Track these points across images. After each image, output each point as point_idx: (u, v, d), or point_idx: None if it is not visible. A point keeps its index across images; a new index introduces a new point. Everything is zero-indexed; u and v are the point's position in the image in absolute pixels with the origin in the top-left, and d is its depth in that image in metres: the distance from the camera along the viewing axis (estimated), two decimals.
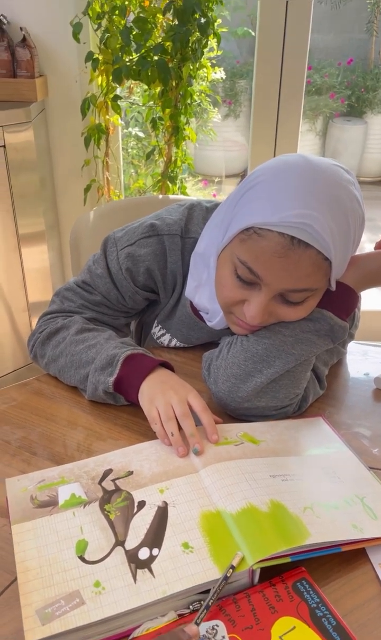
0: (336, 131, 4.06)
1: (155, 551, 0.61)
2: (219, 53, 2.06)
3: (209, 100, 2.42)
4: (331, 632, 0.54)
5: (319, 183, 0.73)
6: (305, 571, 0.62)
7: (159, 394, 0.80)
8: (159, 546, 0.62)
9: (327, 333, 0.83)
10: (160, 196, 1.66)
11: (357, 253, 0.85)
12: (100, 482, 0.71)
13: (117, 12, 1.71)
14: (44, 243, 2.13)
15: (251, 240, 0.75)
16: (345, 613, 0.58)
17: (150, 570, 0.59)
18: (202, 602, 0.59)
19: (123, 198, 2.18)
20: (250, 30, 3.53)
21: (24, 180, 1.95)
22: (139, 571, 0.59)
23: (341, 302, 0.83)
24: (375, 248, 0.87)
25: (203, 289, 0.92)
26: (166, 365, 0.87)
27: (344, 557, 0.64)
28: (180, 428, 0.77)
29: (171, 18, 1.76)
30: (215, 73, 2.06)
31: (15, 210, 1.96)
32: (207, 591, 0.59)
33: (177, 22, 1.72)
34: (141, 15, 1.72)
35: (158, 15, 1.74)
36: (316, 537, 0.62)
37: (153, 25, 1.74)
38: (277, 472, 0.72)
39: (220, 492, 0.67)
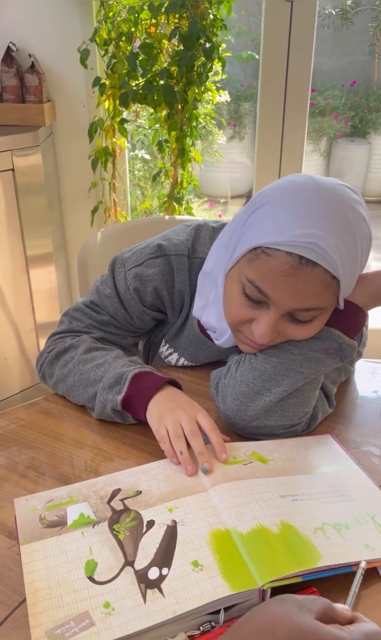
0: (340, 151, 4.10)
1: (164, 570, 0.61)
2: (224, 77, 2.10)
3: (214, 122, 2.46)
4: None
5: (326, 203, 0.74)
6: (316, 591, 0.61)
7: (168, 412, 0.80)
8: (169, 565, 0.61)
9: (336, 352, 0.83)
10: (167, 217, 1.68)
11: (364, 272, 0.85)
12: (108, 502, 0.71)
13: (123, 38, 1.75)
14: (51, 264, 2.15)
15: (259, 259, 0.76)
16: None
17: (160, 590, 0.59)
18: (212, 622, 0.58)
19: (129, 219, 2.20)
20: (254, 54, 3.60)
21: (32, 203, 1.98)
22: (149, 591, 0.59)
23: (349, 320, 0.84)
24: None
25: (211, 308, 0.93)
26: (174, 384, 0.87)
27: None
28: (188, 447, 0.77)
29: (176, 44, 1.80)
30: (220, 96, 2.10)
31: (23, 232, 1.98)
32: (217, 612, 0.58)
33: (182, 48, 1.76)
34: (147, 41, 1.76)
35: (164, 41, 1.78)
36: (327, 559, 0.62)
37: (159, 51, 1.78)
38: (287, 492, 0.72)
39: (229, 511, 0.67)
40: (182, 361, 1.04)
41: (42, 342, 2.19)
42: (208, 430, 0.78)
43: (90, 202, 2.12)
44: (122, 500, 0.71)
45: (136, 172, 2.60)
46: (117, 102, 1.84)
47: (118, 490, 0.73)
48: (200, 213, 3.42)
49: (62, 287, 2.29)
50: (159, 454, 0.80)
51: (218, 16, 1.77)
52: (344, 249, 0.74)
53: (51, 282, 2.18)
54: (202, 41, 1.73)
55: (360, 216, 0.77)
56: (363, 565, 0.63)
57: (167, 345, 1.04)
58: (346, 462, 0.80)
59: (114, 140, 1.98)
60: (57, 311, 2.23)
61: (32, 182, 1.95)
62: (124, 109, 1.87)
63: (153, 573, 0.61)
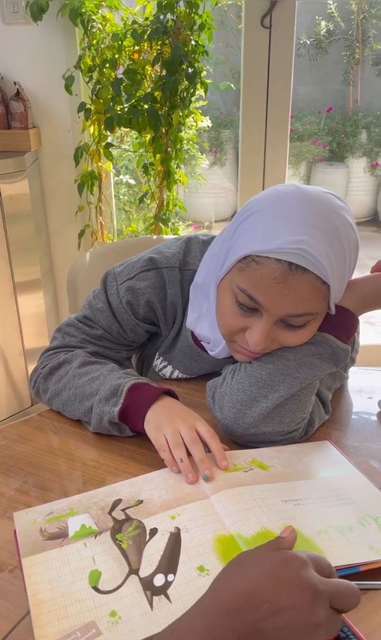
0: (319, 175, 4.18)
1: (170, 577, 0.60)
2: (204, 103, 2.15)
3: (197, 147, 2.51)
4: None
5: (313, 210, 0.76)
6: None
7: (166, 421, 0.80)
8: (174, 571, 0.61)
9: (330, 356, 0.84)
10: (155, 236, 1.69)
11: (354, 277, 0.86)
12: (110, 512, 0.70)
13: (107, 64, 1.78)
14: (39, 290, 2.15)
15: (250, 268, 0.77)
16: (368, 632, 0.57)
17: (167, 596, 0.58)
18: None
19: (117, 241, 2.22)
20: (231, 85, 3.69)
21: (20, 229, 1.98)
22: (155, 598, 0.58)
23: (341, 325, 0.85)
24: (371, 271, 0.89)
25: (204, 319, 0.93)
26: (171, 394, 0.87)
27: (363, 576, 0.63)
28: (188, 455, 0.77)
29: (159, 69, 1.84)
30: (202, 122, 2.15)
31: (11, 259, 1.98)
32: None
33: (165, 73, 1.80)
34: (131, 67, 1.80)
35: (147, 66, 1.82)
36: (334, 560, 0.61)
37: (142, 76, 1.82)
38: (289, 497, 0.72)
39: (233, 516, 0.67)
40: (176, 374, 1.04)
41: (31, 368, 2.17)
42: (208, 438, 0.78)
43: (77, 226, 2.13)
44: (123, 510, 0.70)
45: (121, 197, 2.63)
46: (102, 126, 1.87)
47: (119, 501, 0.72)
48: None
49: (50, 312, 2.29)
50: (158, 465, 0.79)
51: (199, 42, 1.82)
52: (332, 254, 0.75)
53: (39, 307, 2.18)
54: (184, 66, 1.78)
55: (347, 222, 0.78)
56: None
57: (161, 358, 1.04)
58: (346, 466, 0.80)
59: (100, 164, 2.00)
60: (45, 336, 2.22)
61: (19, 208, 1.97)
62: (109, 133, 1.90)
63: (158, 580, 0.60)
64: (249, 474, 0.76)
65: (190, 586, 0.59)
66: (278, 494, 0.72)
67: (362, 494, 0.74)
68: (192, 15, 1.79)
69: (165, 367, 1.04)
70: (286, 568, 0.49)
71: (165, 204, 2.04)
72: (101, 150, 1.95)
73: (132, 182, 2.63)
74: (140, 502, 0.71)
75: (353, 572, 0.62)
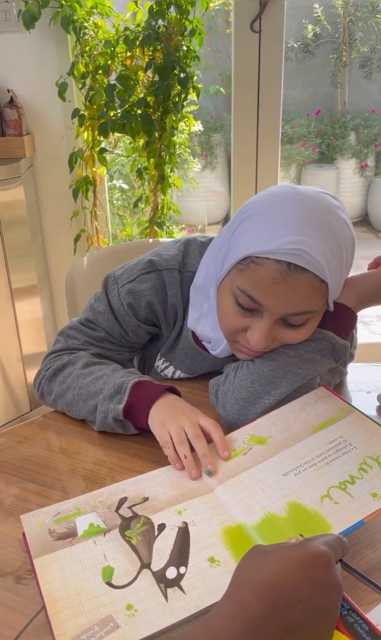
0: (309, 177, 4.22)
1: (182, 569, 0.61)
2: (195, 108, 2.17)
3: (189, 151, 2.53)
4: (365, 637, 0.54)
5: (309, 210, 0.78)
6: None
7: (170, 418, 0.81)
8: (186, 564, 0.62)
9: (330, 352, 0.86)
10: (151, 240, 1.71)
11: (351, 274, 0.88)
12: (116, 510, 0.71)
13: (100, 71, 1.80)
14: (36, 296, 2.15)
15: (249, 269, 0.78)
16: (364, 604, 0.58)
17: (180, 588, 0.59)
18: None
19: (112, 245, 2.23)
20: (221, 89, 3.72)
21: (15, 235, 1.99)
22: (169, 590, 0.59)
23: (340, 321, 0.86)
24: (368, 268, 0.91)
25: (206, 319, 0.95)
26: (173, 391, 0.88)
27: (370, 565, 0.65)
28: (192, 450, 0.78)
29: (151, 75, 1.86)
30: (194, 126, 2.17)
31: (7, 266, 1.99)
32: None
33: (157, 78, 1.82)
34: (123, 73, 1.81)
35: (139, 72, 1.84)
36: (338, 527, 0.64)
37: (135, 82, 1.83)
38: (289, 467, 0.73)
39: (237, 506, 0.68)
40: (178, 374, 1.05)
41: (29, 373, 2.18)
42: (211, 429, 0.79)
43: (72, 231, 2.14)
44: (130, 507, 0.72)
45: (115, 202, 2.65)
46: (96, 132, 1.88)
47: (124, 499, 0.73)
48: None
49: (47, 317, 2.30)
50: (164, 462, 0.80)
51: (190, 47, 1.84)
52: (330, 253, 0.77)
53: (36, 313, 2.18)
54: (176, 71, 1.80)
55: (343, 221, 0.80)
56: None
57: (163, 359, 1.06)
58: (344, 410, 0.81)
59: (94, 169, 2.02)
60: (43, 341, 2.23)
61: (15, 215, 1.98)
62: (103, 139, 1.92)
63: (171, 572, 0.61)
64: (248, 455, 0.76)
65: (202, 577, 0.60)
66: (278, 468, 0.73)
67: (363, 435, 0.76)
68: (183, 21, 1.81)
69: (167, 367, 1.06)
70: (316, 567, 0.49)
71: (159, 207, 2.05)
72: (95, 156, 1.97)
73: (126, 186, 2.65)
74: (146, 499, 0.73)
75: (358, 527, 0.64)
